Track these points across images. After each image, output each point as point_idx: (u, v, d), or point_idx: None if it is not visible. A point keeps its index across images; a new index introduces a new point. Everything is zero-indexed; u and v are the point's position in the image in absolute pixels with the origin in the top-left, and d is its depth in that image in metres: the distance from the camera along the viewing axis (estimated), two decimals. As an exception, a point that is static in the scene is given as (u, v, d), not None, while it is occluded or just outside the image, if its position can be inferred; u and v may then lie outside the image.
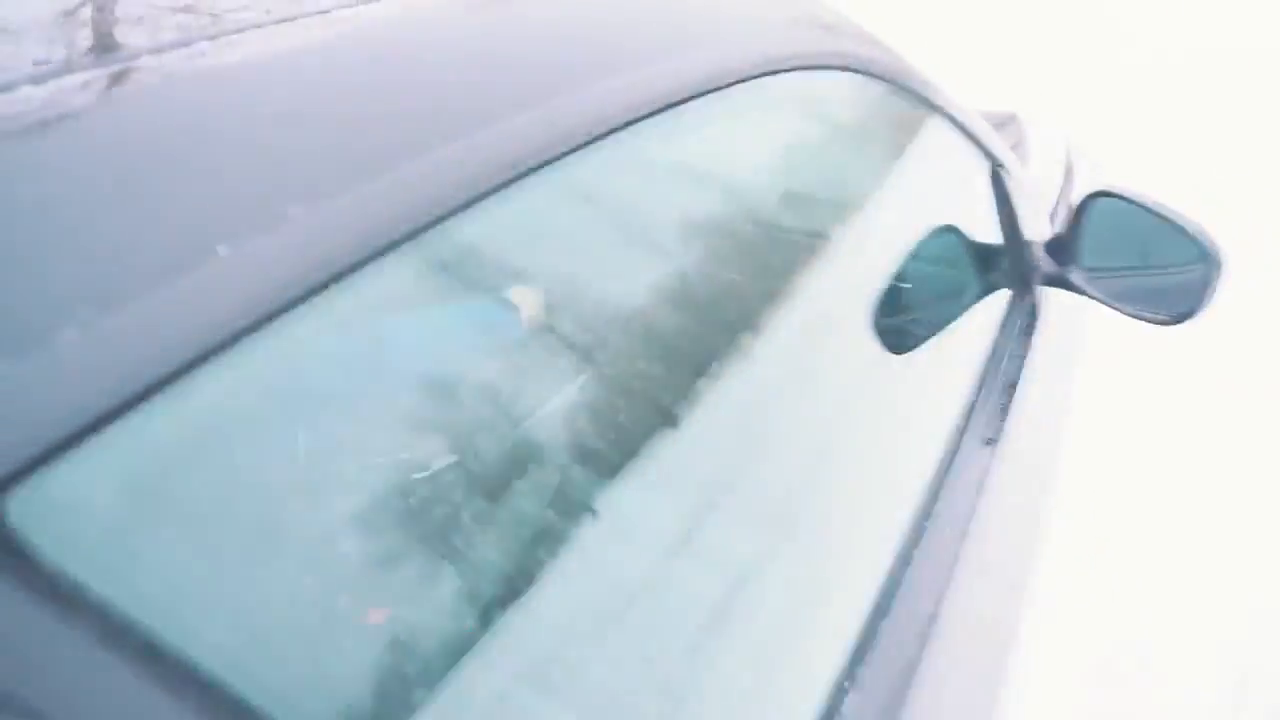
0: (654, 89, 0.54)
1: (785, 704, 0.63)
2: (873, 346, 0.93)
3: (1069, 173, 1.75)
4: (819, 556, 0.78)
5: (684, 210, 0.77)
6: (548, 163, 0.45)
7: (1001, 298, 1.18)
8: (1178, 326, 1.07)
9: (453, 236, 0.43)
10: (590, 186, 0.63)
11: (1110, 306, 1.13)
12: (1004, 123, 1.78)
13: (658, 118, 0.54)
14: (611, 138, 0.50)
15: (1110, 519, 2.01)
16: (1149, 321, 1.10)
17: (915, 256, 1.01)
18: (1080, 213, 1.13)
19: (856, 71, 0.84)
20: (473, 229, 0.43)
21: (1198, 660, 1.74)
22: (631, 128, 0.51)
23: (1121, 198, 1.10)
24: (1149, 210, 1.08)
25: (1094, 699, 1.62)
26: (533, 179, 0.44)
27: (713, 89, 0.60)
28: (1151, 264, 1.11)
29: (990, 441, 0.97)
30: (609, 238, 0.69)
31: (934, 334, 1.03)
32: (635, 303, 0.69)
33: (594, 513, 0.59)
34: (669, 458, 0.67)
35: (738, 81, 0.63)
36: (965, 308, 1.10)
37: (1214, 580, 1.90)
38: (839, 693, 0.61)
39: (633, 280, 0.69)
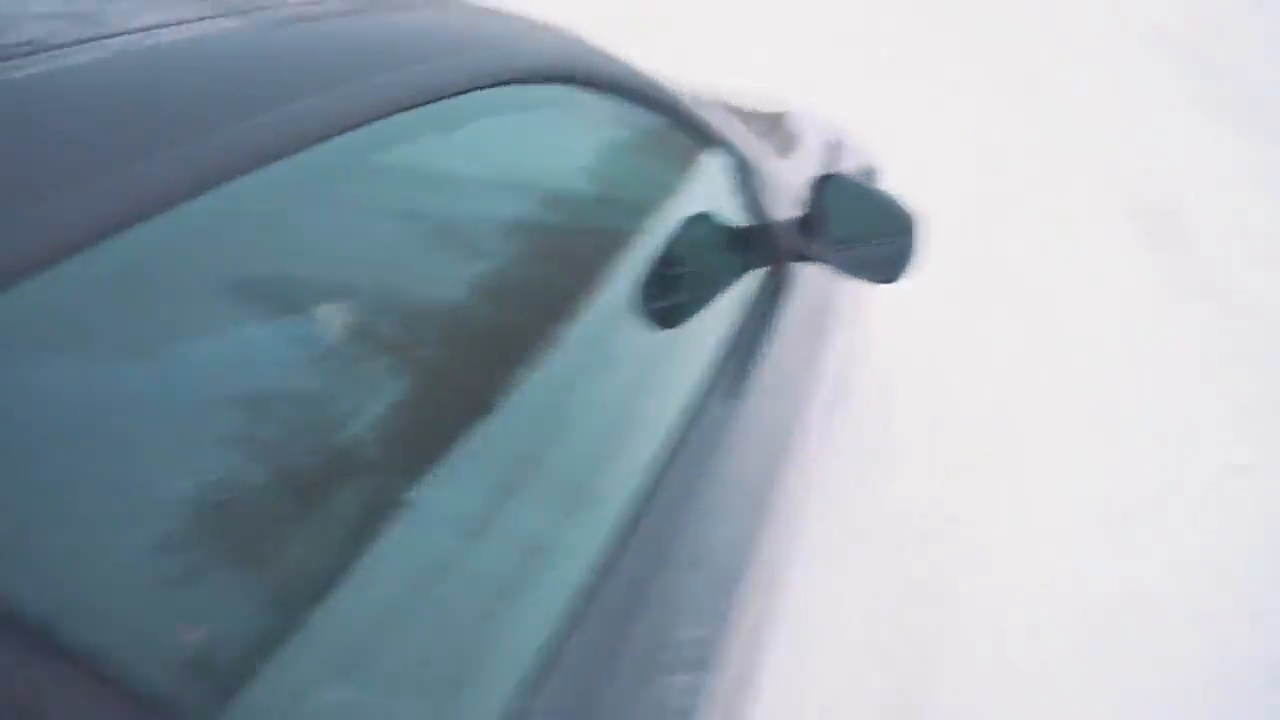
0: (368, 104, 0.59)
1: (547, 603, 0.73)
2: (643, 327, 1.05)
3: (835, 161, 1.96)
4: (589, 507, 0.89)
5: (435, 217, 0.84)
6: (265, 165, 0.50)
7: (760, 274, 1.33)
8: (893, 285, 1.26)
9: (169, 238, 0.47)
10: (327, 188, 0.69)
11: (844, 274, 1.30)
12: (774, 118, 1.96)
13: (376, 127, 0.60)
14: (318, 147, 0.54)
15: (853, 461, 2.28)
16: (872, 282, 1.28)
17: (675, 243, 1.13)
18: (815, 195, 1.30)
19: (585, 84, 0.94)
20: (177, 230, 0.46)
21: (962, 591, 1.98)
22: (352, 134, 0.56)
23: (844, 179, 1.28)
24: (865, 189, 1.26)
25: (828, 622, 1.85)
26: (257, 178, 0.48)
27: (433, 100, 0.67)
28: (873, 235, 1.29)
29: (734, 397, 1.11)
30: (350, 240, 0.76)
31: (697, 311, 1.16)
32: (400, 300, 0.75)
33: (401, 501, 0.66)
34: (463, 447, 0.74)
35: (458, 94, 0.71)
36: (726, 285, 1.25)
37: (954, 521, 2.18)
38: (589, 595, 0.73)
39: (359, 277, 0.75)
